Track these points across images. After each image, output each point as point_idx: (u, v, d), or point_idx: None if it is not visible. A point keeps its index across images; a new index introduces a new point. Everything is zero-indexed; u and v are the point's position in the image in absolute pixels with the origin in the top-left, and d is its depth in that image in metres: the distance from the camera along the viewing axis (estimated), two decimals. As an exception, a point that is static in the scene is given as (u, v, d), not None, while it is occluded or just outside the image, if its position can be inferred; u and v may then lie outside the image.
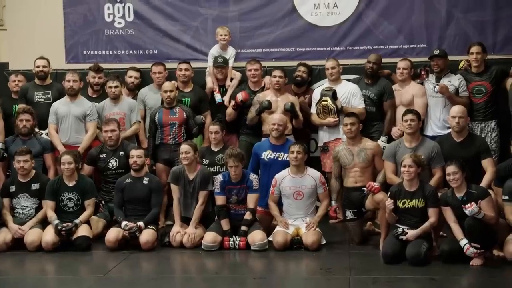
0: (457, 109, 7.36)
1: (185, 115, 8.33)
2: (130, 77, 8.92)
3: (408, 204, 6.77)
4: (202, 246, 7.33)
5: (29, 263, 7.26)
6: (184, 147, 7.53)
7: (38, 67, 8.64)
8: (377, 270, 6.52)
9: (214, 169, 7.91)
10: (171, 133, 8.31)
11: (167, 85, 8.38)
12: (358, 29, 9.18)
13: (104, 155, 8.13)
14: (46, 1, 9.61)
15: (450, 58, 8.31)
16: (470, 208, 6.24)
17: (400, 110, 7.97)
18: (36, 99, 8.56)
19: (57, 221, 7.43)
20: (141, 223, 7.43)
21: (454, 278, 6.29)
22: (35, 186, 7.75)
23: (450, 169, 6.60)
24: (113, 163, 8.09)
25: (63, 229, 7.35)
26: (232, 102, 8.47)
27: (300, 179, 7.44)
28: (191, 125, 8.35)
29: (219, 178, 7.56)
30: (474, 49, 8.11)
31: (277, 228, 7.37)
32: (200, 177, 7.58)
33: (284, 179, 7.46)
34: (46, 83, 8.74)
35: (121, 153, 8.08)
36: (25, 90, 8.66)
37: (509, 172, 6.94)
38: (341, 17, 9.18)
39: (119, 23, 9.54)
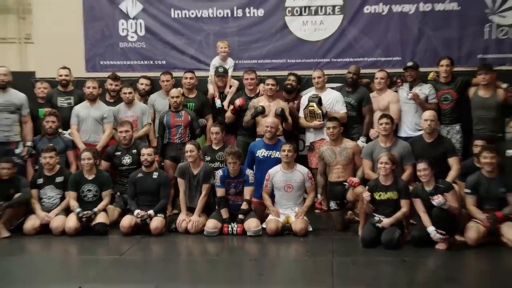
0: (428, 113, 7.48)
1: (189, 117, 8.36)
2: (142, 84, 9.00)
3: (384, 196, 6.91)
4: (204, 232, 7.42)
5: (54, 245, 7.33)
6: (189, 146, 7.62)
7: (61, 75, 8.70)
8: (356, 253, 6.63)
9: (215, 165, 7.97)
10: (177, 134, 8.35)
11: (174, 91, 8.40)
12: (341, 43, 9.20)
13: (119, 153, 8.20)
14: (68, 19, 9.62)
15: (421, 69, 8.37)
16: (437, 200, 6.43)
17: (377, 115, 8.01)
18: (59, 104, 8.62)
19: (78, 210, 7.54)
20: (151, 212, 7.54)
21: (422, 259, 6.43)
22: (59, 179, 7.86)
23: (421, 166, 6.77)
24: (127, 159, 8.17)
25: (84, 216, 7.46)
26: (231, 107, 8.48)
27: (290, 174, 7.53)
28: (194, 126, 8.37)
29: (219, 173, 7.64)
30: (444, 62, 8.21)
31: (270, 217, 7.46)
32: (203, 172, 7.67)
33: (276, 174, 7.55)
34: (68, 90, 8.80)
35: (134, 151, 8.14)
36: (50, 96, 8.73)
37: (470, 169, 7.17)
38: (327, 33, 9.21)
39: (132, 37, 9.57)
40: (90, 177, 7.80)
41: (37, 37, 10.30)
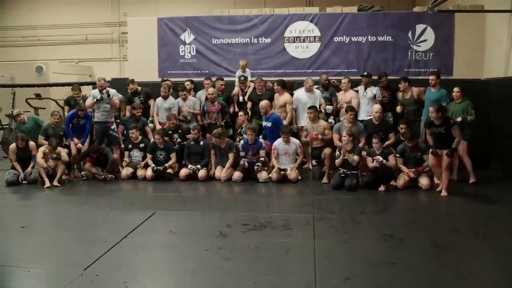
0: (378, 107, 7.65)
1: (220, 106, 8.46)
2: (187, 85, 8.92)
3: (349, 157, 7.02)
4: (232, 179, 7.57)
5: (140, 186, 7.51)
6: (216, 132, 7.72)
7: (131, 89, 8.72)
8: (328, 193, 6.80)
9: (242, 137, 8.09)
10: (213, 117, 8.46)
11: (211, 90, 8.47)
12: (319, 60, 9.18)
13: (170, 132, 8.26)
14: (148, 44, 9.63)
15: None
16: (378, 161, 6.72)
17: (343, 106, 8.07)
18: (135, 100, 8.65)
19: (153, 165, 7.74)
20: (199, 166, 7.71)
21: (370, 197, 6.56)
22: (141, 145, 8.02)
23: (374, 140, 6.96)
24: (176, 136, 8.23)
25: (157, 170, 7.67)
26: (249, 105, 8.60)
27: (288, 146, 7.62)
28: (227, 110, 8.51)
29: (242, 141, 7.82)
30: (383, 78, 8.30)
31: (274, 170, 7.51)
32: (227, 146, 7.77)
33: (279, 145, 7.63)
34: (138, 92, 8.77)
35: (180, 131, 8.23)
36: (129, 96, 8.77)
37: (399, 141, 7.34)
38: (310, 53, 9.19)
39: (187, 56, 9.56)
40: (161, 146, 7.91)
41: (129, 57, 10.43)
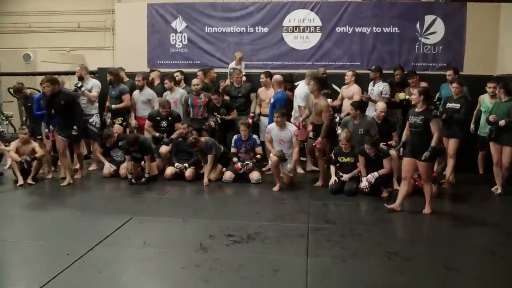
0: (382, 106, 6.68)
1: (207, 99, 7.60)
2: (177, 76, 8.26)
3: (344, 160, 6.41)
4: (223, 180, 6.96)
5: (121, 183, 6.86)
6: (189, 142, 6.87)
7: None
8: (325, 198, 6.18)
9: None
10: (199, 112, 7.64)
11: (195, 80, 7.64)
12: (320, 52, 8.61)
13: (158, 118, 7.42)
14: (137, 32, 9.07)
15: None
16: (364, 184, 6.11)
17: (346, 101, 7.40)
18: None
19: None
20: (186, 165, 7.08)
21: (371, 203, 5.87)
22: (120, 143, 7.24)
23: (367, 146, 6.10)
24: (164, 123, 7.40)
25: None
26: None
27: (283, 132, 6.69)
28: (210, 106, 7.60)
29: (235, 137, 7.11)
30: (399, 71, 7.60)
31: (271, 155, 6.56)
32: (206, 147, 6.98)
33: (272, 129, 6.76)
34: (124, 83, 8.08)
35: (170, 118, 7.37)
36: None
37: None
38: (311, 44, 8.62)
39: (179, 45, 9.00)
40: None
41: (116, 46, 10.13)
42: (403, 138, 5.70)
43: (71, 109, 6.70)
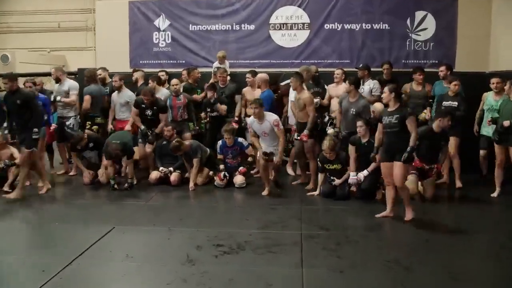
0: (379, 107, 6.16)
1: (187, 100, 7.20)
2: (162, 75, 7.78)
3: (331, 167, 6.11)
4: (215, 184, 6.61)
5: (101, 190, 6.57)
6: (172, 146, 6.58)
7: (100, 74, 7.67)
8: (318, 202, 5.94)
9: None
10: (179, 113, 7.17)
11: (174, 80, 7.23)
12: (308, 50, 8.38)
13: (143, 106, 6.88)
14: (119, 30, 8.80)
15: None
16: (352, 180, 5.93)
17: (334, 101, 7.01)
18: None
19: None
20: (171, 169, 6.74)
21: (366, 207, 5.59)
22: (91, 145, 6.87)
23: (359, 123, 5.97)
24: (148, 112, 6.89)
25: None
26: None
27: (263, 125, 6.26)
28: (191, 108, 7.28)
29: (219, 143, 6.79)
30: (386, 66, 7.33)
31: (259, 154, 6.34)
32: (191, 151, 6.68)
33: (252, 123, 6.34)
34: (106, 83, 7.73)
35: (155, 107, 6.90)
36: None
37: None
38: (298, 42, 8.38)
39: (162, 43, 8.72)
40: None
41: (97, 45, 9.77)
42: (376, 143, 5.34)
43: (28, 109, 6.07)
